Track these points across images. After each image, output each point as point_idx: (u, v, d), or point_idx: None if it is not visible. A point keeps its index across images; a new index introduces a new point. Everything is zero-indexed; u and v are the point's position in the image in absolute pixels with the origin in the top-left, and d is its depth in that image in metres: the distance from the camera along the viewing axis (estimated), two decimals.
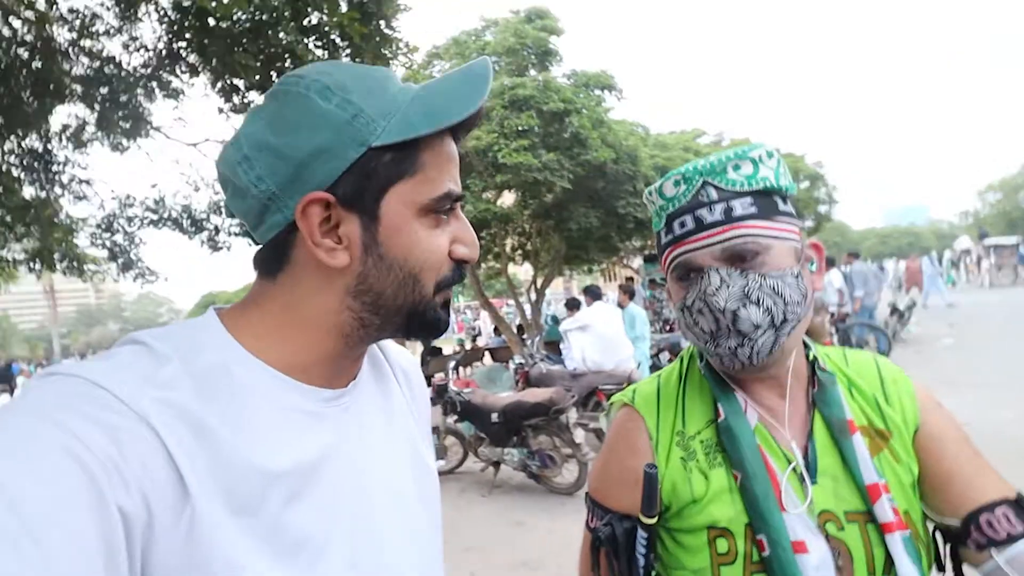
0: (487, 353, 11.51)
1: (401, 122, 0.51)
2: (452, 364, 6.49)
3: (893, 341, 8.38)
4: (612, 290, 16.46)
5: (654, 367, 6.99)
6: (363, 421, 0.61)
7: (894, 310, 9.56)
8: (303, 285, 0.54)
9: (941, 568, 0.74)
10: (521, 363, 6.48)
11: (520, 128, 7.43)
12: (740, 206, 0.70)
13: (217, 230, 6.28)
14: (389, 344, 0.75)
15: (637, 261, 15.24)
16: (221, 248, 6.32)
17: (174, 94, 5.15)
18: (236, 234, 6.30)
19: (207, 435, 0.46)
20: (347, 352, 0.58)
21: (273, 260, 0.55)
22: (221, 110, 4.96)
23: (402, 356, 0.76)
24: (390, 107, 0.52)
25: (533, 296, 11.34)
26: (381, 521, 0.58)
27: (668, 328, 9.90)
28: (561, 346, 6.12)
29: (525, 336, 10.24)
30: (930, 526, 0.74)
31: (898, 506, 0.69)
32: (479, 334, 16.18)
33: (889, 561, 0.68)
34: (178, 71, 4.80)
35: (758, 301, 0.69)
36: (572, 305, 6.74)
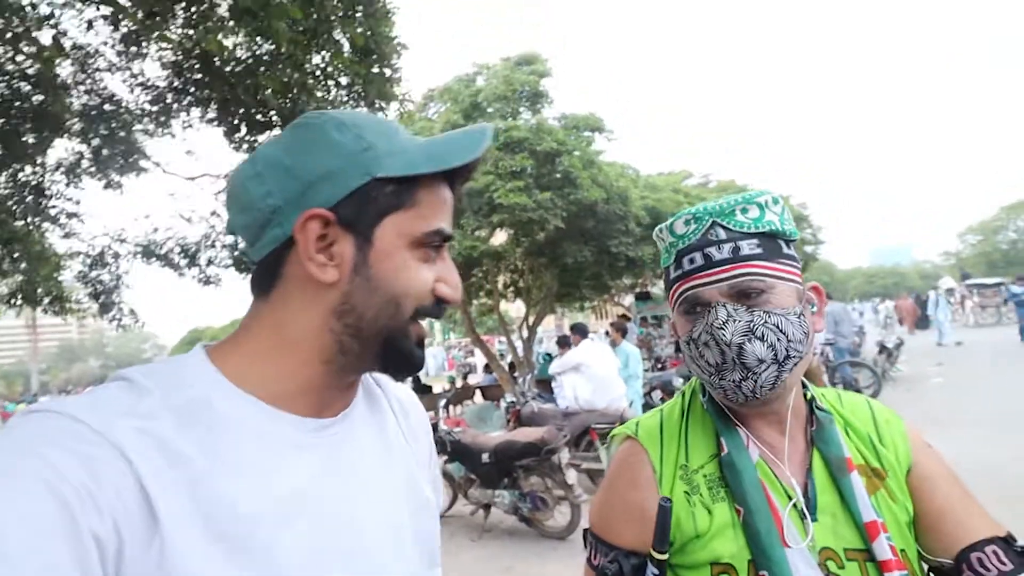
0: (478, 391, 11.36)
1: (405, 160, 0.57)
2: (442, 402, 6.41)
3: (883, 380, 8.40)
4: (604, 327, 16.46)
5: (647, 406, 6.92)
6: (355, 452, 0.61)
7: (882, 349, 9.62)
8: (292, 302, 0.57)
9: None
10: (512, 401, 6.40)
11: (514, 169, 7.59)
12: (747, 246, 0.74)
13: (209, 262, 6.27)
14: (385, 378, 0.75)
15: (628, 299, 15.33)
16: (212, 282, 6.29)
17: (175, 130, 5.22)
18: (227, 266, 6.28)
19: (185, 465, 0.47)
20: (332, 381, 0.59)
21: (267, 278, 0.58)
22: (232, 141, 5.00)
23: (400, 389, 0.77)
24: (397, 147, 0.57)
25: (525, 333, 11.31)
26: (374, 554, 0.58)
27: (660, 367, 9.87)
28: (553, 385, 6.06)
29: (516, 374, 10.15)
30: (924, 567, 0.74)
31: (895, 545, 0.70)
32: (470, 371, 16.02)
33: None
34: (179, 107, 4.88)
35: (763, 337, 0.71)
36: (564, 343, 6.72)
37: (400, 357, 0.59)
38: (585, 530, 0.85)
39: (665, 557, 0.72)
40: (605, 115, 9.28)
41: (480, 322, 15.29)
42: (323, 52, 4.11)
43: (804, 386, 0.82)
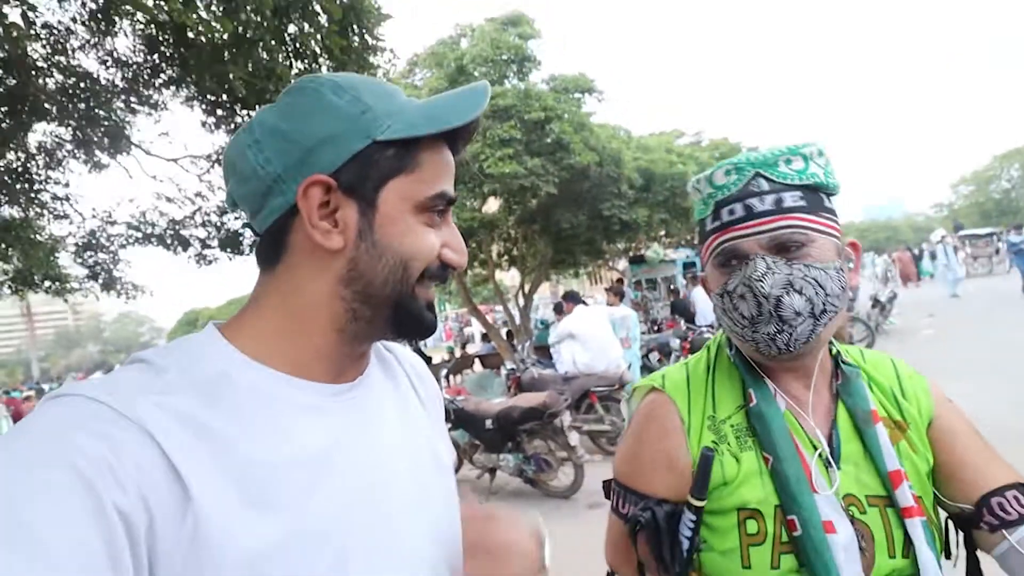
0: (477, 360, 11.49)
1: (405, 122, 0.56)
2: (443, 372, 6.47)
3: (876, 333, 8.54)
4: (599, 293, 16.54)
5: (645, 368, 7.03)
6: (375, 415, 0.62)
7: (876, 302, 9.74)
8: (299, 272, 0.56)
9: (948, 556, 0.77)
10: (512, 369, 6.48)
11: (503, 137, 7.47)
12: (791, 198, 0.73)
13: (205, 244, 6.21)
14: (397, 346, 0.77)
15: (622, 263, 15.35)
16: (210, 262, 6.25)
17: (154, 108, 5.09)
18: (223, 248, 6.23)
19: (209, 436, 0.48)
20: (346, 349, 0.59)
21: (272, 249, 0.57)
22: (204, 123, 4.91)
23: (412, 356, 0.78)
24: (396, 109, 0.56)
25: (521, 301, 11.36)
26: (400, 513, 0.59)
27: (656, 329, 9.98)
28: (551, 351, 6.13)
29: (515, 341, 10.24)
30: (943, 515, 0.77)
31: (916, 492, 0.72)
32: (468, 341, 16.14)
33: (907, 544, 0.71)
34: (157, 85, 4.74)
35: (801, 290, 0.71)
36: (558, 310, 6.77)
37: (411, 320, 0.59)
38: (608, 480, 0.87)
39: (703, 504, 0.74)
40: (594, 74, 9.10)
41: (476, 292, 15.32)
42: (301, 23, 3.98)
43: (831, 343, 0.83)
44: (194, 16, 3.43)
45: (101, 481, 0.42)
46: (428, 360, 10.30)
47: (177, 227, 6.12)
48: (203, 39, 3.64)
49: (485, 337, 12.16)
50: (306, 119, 0.54)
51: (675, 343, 7.38)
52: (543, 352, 7.15)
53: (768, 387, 0.79)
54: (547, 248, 10.28)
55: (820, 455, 0.75)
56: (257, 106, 4.26)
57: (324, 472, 0.53)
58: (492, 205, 9.57)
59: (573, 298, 5.96)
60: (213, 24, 3.54)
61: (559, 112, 7.86)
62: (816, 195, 0.75)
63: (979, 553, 0.76)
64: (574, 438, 4.40)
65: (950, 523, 0.77)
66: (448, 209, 0.61)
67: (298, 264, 0.56)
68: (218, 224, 6.24)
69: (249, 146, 0.55)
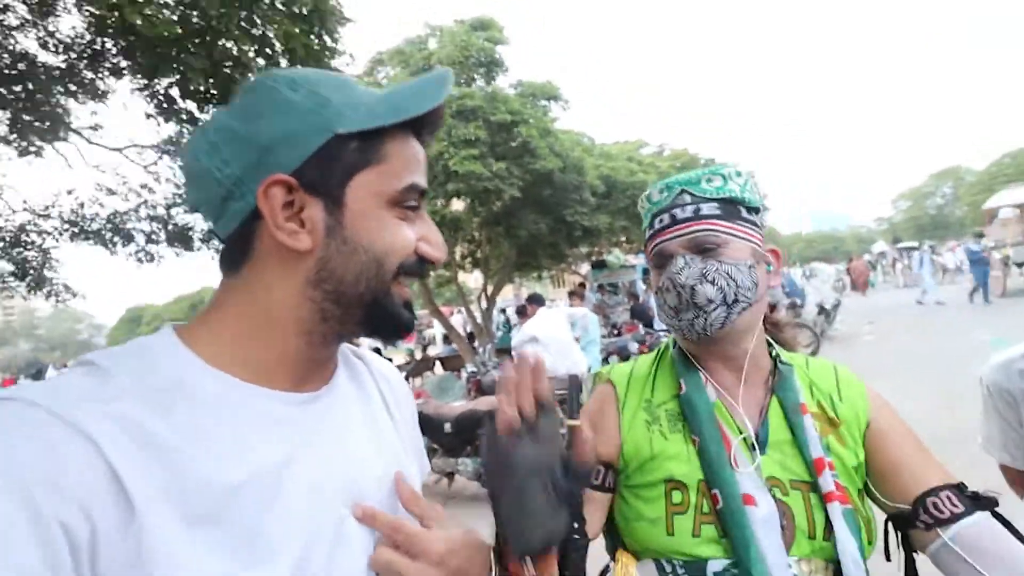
0: (438, 362, 11.39)
1: (366, 113, 0.54)
2: (403, 375, 6.37)
3: (821, 338, 8.96)
4: (562, 296, 16.69)
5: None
6: (340, 427, 0.60)
7: (822, 310, 10.23)
8: (265, 277, 0.54)
9: (888, 558, 0.81)
10: (473, 371, 6.47)
11: (468, 137, 7.46)
12: (708, 208, 0.84)
13: (150, 239, 5.91)
14: (368, 353, 0.74)
15: (585, 267, 15.56)
16: (152, 259, 5.95)
17: (99, 96, 4.82)
18: (171, 243, 5.95)
19: (157, 447, 0.45)
20: (312, 353, 0.57)
21: (237, 253, 0.55)
22: (149, 115, 4.68)
23: (383, 363, 0.75)
24: (356, 100, 0.55)
25: (484, 304, 11.35)
26: (362, 535, 0.57)
27: (616, 332, 10.16)
28: (513, 354, 6.15)
29: (476, 344, 10.21)
30: (882, 516, 0.81)
31: (840, 482, 0.77)
32: (430, 343, 15.99)
33: (828, 528, 0.75)
34: (103, 70, 4.50)
35: (713, 281, 0.81)
36: (521, 312, 6.81)
37: (387, 319, 0.58)
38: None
39: (576, 423, 0.68)
40: (561, 82, 9.19)
41: (438, 293, 15.21)
42: (259, 21, 3.86)
43: (770, 345, 0.92)
44: (141, 14, 3.27)
45: (42, 493, 0.39)
46: (388, 361, 10.12)
47: (119, 221, 5.80)
48: (152, 32, 3.48)
49: (446, 339, 12.07)
50: (262, 118, 0.52)
51: (634, 347, 7.55)
52: (505, 355, 7.16)
53: (700, 377, 0.87)
54: (511, 251, 10.31)
55: (744, 438, 0.81)
56: (219, 97, 4.09)
57: (282, 490, 0.51)
58: (457, 206, 9.53)
59: (537, 301, 5.99)
60: (157, 20, 3.37)
61: (525, 116, 7.92)
62: (733, 207, 0.85)
63: (915, 553, 0.80)
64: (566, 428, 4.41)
65: (889, 524, 0.81)
66: (422, 202, 0.59)
67: (264, 268, 0.54)
68: (165, 218, 5.96)
69: (204, 150, 0.53)
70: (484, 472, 0.65)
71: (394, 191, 0.55)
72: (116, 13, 3.32)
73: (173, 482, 0.45)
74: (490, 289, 11.42)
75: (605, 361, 7.43)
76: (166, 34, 3.44)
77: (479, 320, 11.11)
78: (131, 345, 0.52)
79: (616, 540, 0.88)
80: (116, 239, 5.83)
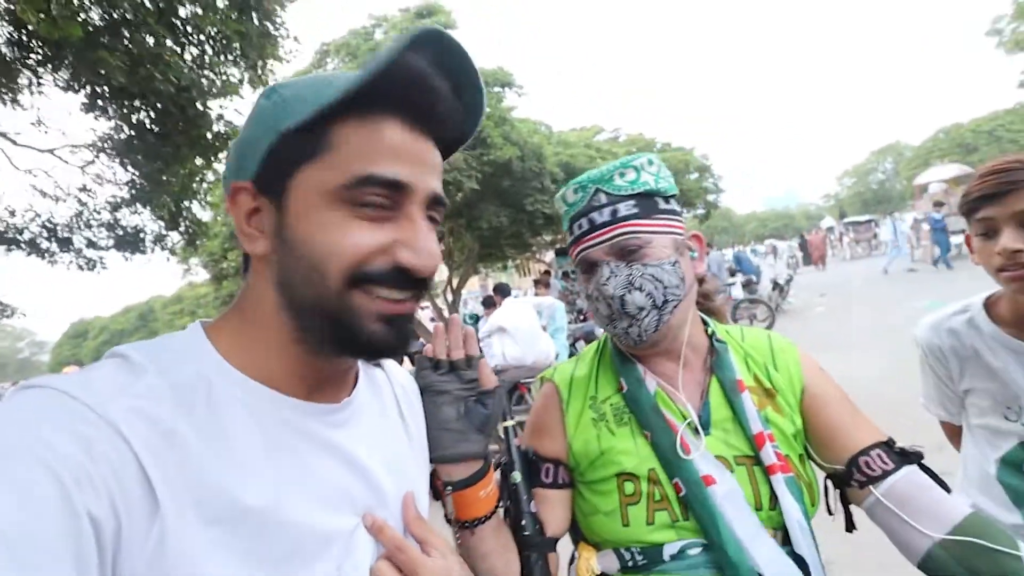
0: (406, 357, 11.27)
1: (313, 101, 0.50)
2: None
3: (776, 312, 9.31)
4: (528, 285, 16.75)
5: (572, 356, 7.20)
6: (358, 439, 0.59)
7: (776, 285, 10.63)
8: (252, 283, 0.56)
9: (831, 513, 0.85)
10: None
11: None
12: (624, 207, 0.83)
13: (93, 244, 5.57)
14: (390, 363, 0.74)
15: (549, 255, 15.65)
16: (93, 266, 5.62)
17: (17, 93, 4.48)
18: (119, 247, 5.62)
19: (181, 448, 0.45)
20: (314, 362, 0.55)
21: (245, 260, 0.58)
22: (73, 112, 4.38)
23: (402, 375, 0.75)
24: (309, 93, 0.51)
25: (450, 296, 11.27)
26: (369, 555, 0.57)
27: (582, 318, 10.27)
28: (482, 345, 6.14)
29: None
30: (822, 476, 0.85)
31: (781, 451, 0.80)
32: None
33: (772, 497, 0.78)
34: (23, 66, 4.18)
35: (640, 287, 0.81)
36: (489, 303, 6.79)
37: (348, 336, 0.52)
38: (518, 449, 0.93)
39: (511, 423, 0.87)
40: (515, 69, 9.13)
41: None
42: (194, 6, 3.66)
43: (706, 323, 0.92)
44: (37, 14, 3.04)
45: (76, 487, 0.39)
46: None
47: (55, 227, 5.44)
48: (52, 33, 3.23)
49: (415, 334, 11.96)
50: (243, 130, 0.55)
51: (599, 331, 7.64)
52: None
53: (638, 371, 0.88)
54: (474, 243, 10.26)
55: (689, 424, 0.83)
56: (140, 94, 3.87)
57: (296, 500, 0.50)
58: None
59: (503, 291, 5.98)
60: (59, 20, 3.14)
61: None
62: (650, 200, 0.84)
63: (853, 507, 0.85)
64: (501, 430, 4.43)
65: (828, 483, 0.85)
66: (407, 199, 0.52)
67: (252, 274, 0.56)
68: (110, 222, 5.63)
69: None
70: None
71: (338, 185, 0.49)
72: (10, 15, 3.08)
73: (195, 485, 0.45)
74: (455, 281, 11.35)
75: (573, 347, 7.51)
76: (70, 34, 3.21)
77: (445, 314, 11.02)
78: (161, 340, 0.53)
79: (577, 533, 0.90)
80: (53, 248, 5.47)
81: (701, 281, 0.95)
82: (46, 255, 5.43)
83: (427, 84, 0.52)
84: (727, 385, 0.85)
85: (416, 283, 0.54)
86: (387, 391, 0.69)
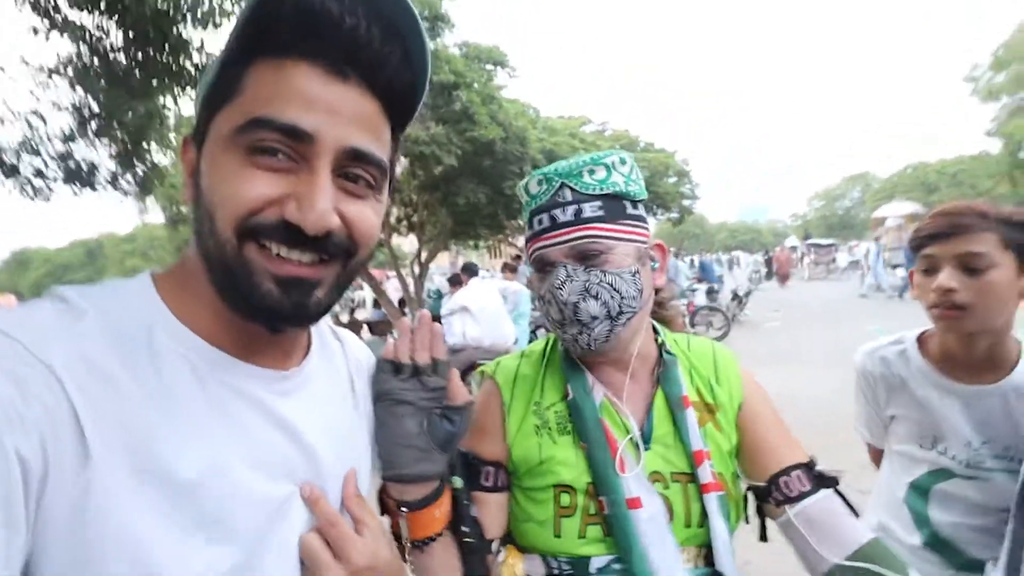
0: (365, 326, 11.11)
1: (233, 39, 0.48)
2: None
3: (732, 323, 9.60)
4: (497, 266, 16.70)
5: (531, 343, 7.25)
6: (305, 409, 0.57)
7: (735, 296, 10.95)
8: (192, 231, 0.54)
9: (748, 521, 0.88)
10: None
11: None
12: (589, 208, 0.78)
13: (40, 174, 5.22)
14: (348, 335, 0.71)
15: (522, 240, 15.62)
16: (39, 194, 5.28)
17: None
18: (69, 180, 5.28)
19: (118, 395, 0.44)
20: (242, 323, 0.51)
21: None
22: (36, 30, 4.07)
23: (359, 348, 0.72)
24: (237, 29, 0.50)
25: (417, 270, 11.14)
26: (302, 508, 0.56)
27: None
28: (442, 322, 6.11)
29: (407, 310, 10.05)
30: (744, 486, 0.88)
31: (716, 469, 0.82)
32: (358, 306, 15.57)
33: (703, 515, 0.79)
34: None
35: (597, 295, 0.77)
36: (455, 281, 6.74)
37: (242, 294, 0.48)
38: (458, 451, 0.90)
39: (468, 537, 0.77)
40: (509, 48, 8.98)
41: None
42: None
43: (656, 332, 0.91)
44: None
45: (5, 421, 0.38)
46: None
47: (1, 151, 5.06)
48: None
49: (376, 303, 11.79)
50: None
51: None
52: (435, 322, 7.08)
53: (587, 380, 0.85)
54: (448, 218, 10.13)
55: (631, 439, 0.82)
56: (115, 11, 3.60)
57: (231, 462, 0.49)
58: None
59: (470, 271, 5.96)
60: None
61: (468, 80, 7.67)
62: (618, 203, 0.80)
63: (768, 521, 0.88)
64: None
65: (749, 494, 0.88)
66: (312, 150, 0.47)
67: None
68: (63, 153, 5.28)
69: None
70: (373, 404, 0.68)
71: (232, 127, 0.46)
72: None
73: (129, 437, 0.43)
74: (424, 255, 11.21)
75: (534, 333, 7.56)
76: None
77: (411, 287, 10.90)
78: (105, 285, 0.51)
79: (505, 536, 0.88)
80: None
81: (658, 290, 0.93)
82: None
83: (342, 27, 0.47)
84: (672, 400, 0.84)
85: (314, 244, 0.48)
86: (340, 364, 0.67)
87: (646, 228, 0.84)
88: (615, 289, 0.77)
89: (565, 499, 0.80)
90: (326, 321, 0.65)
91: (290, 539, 0.54)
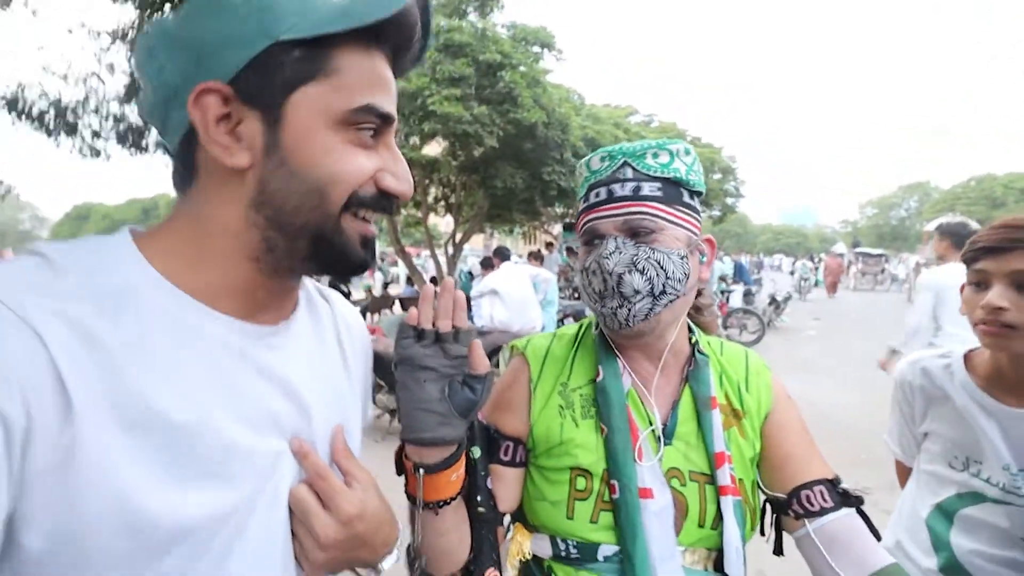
0: (397, 301, 11.31)
1: (314, 19, 0.49)
2: (359, 309, 6.30)
3: (767, 328, 9.33)
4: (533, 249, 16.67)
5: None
6: (293, 363, 0.58)
7: (772, 301, 10.62)
8: (209, 195, 0.52)
9: (763, 533, 0.86)
10: None
11: (453, 75, 7.11)
12: (648, 188, 0.79)
13: (96, 135, 5.48)
14: (335, 295, 0.72)
15: (557, 228, 15.54)
16: (99, 155, 5.55)
17: None
18: (121, 141, 5.53)
19: (102, 353, 0.44)
20: (264, 282, 0.54)
21: (183, 170, 0.53)
22: None
23: (346, 307, 0.73)
24: (306, 6, 0.49)
25: (451, 250, 11.23)
26: (292, 463, 0.57)
27: (576, 296, 10.28)
28: (472, 303, 6.16)
29: (438, 289, 10.17)
30: (762, 497, 0.86)
31: (735, 474, 0.80)
32: (392, 281, 15.86)
33: (718, 518, 0.78)
34: None
35: (643, 270, 0.77)
36: (487, 264, 6.77)
37: (335, 256, 0.54)
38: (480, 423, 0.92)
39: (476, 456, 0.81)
40: (558, 31, 8.81)
41: (406, 233, 14.96)
42: None
43: (691, 331, 0.90)
44: None
45: None
46: (347, 295, 9.99)
47: (65, 109, 5.33)
48: None
49: (409, 280, 11.97)
50: (201, 19, 0.49)
51: (589, 313, 7.66)
52: None
53: (618, 365, 0.85)
54: (485, 200, 10.15)
55: (653, 431, 0.82)
56: None
57: (221, 417, 0.49)
58: (434, 148, 9.22)
59: (502, 255, 5.96)
60: None
61: (514, 62, 7.58)
62: (676, 188, 0.80)
63: (785, 533, 0.85)
64: None
65: (767, 505, 0.86)
66: (387, 129, 0.55)
67: (208, 186, 0.52)
68: (117, 115, 5.52)
69: (145, 55, 0.51)
70: (395, 367, 0.68)
71: (344, 110, 0.50)
72: None
73: (114, 392, 0.44)
74: (459, 236, 11.28)
75: (560, 322, 7.54)
76: None
77: (444, 265, 11.02)
78: (85, 242, 0.50)
79: (517, 513, 0.88)
80: (59, 129, 5.37)
81: (700, 291, 0.91)
82: (51, 134, 5.33)
83: (415, 25, 0.54)
84: (699, 399, 0.83)
85: (389, 208, 0.56)
86: (328, 322, 0.67)
87: (699, 220, 0.84)
88: (661, 267, 0.77)
89: (581, 483, 0.80)
90: (311, 281, 0.67)
91: (280, 491, 0.55)
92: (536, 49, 8.62)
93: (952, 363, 1.17)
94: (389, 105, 0.53)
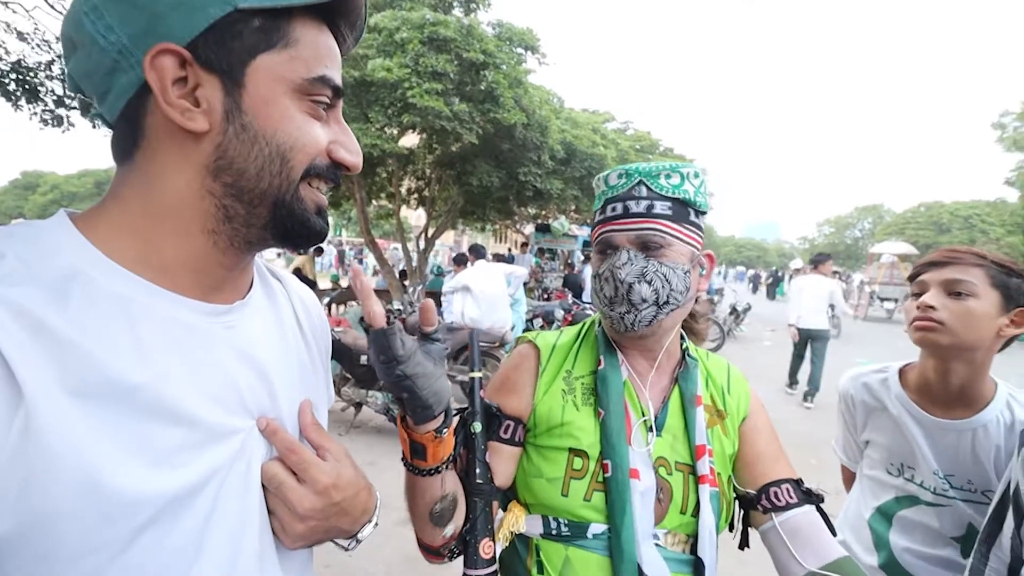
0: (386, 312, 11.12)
1: None
2: (326, 300, 6.21)
3: (727, 337, 9.66)
4: (502, 251, 16.72)
5: (526, 332, 7.29)
6: (253, 341, 0.58)
7: (733, 310, 11.00)
8: (160, 162, 0.50)
9: (731, 528, 0.95)
10: (399, 309, 6.41)
11: (436, 70, 7.07)
12: (660, 206, 0.87)
13: (60, 102, 5.21)
14: (286, 273, 0.72)
15: (529, 228, 15.62)
16: (60, 124, 5.28)
17: None
18: (84, 111, 5.28)
19: (50, 339, 0.42)
20: (219, 258, 0.53)
21: (128, 137, 0.50)
22: None
23: (300, 286, 0.73)
24: None
25: (422, 244, 11.16)
26: (260, 441, 0.57)
27: (546, 297, 10.39)
28: (442, 299, 6.15)
29: (407, 283, 10.09)
30: (733, 493, 0.94)
31: (715, 467, 0.89)
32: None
33: (698, 506, 0.87)
34: None
35: (651, 281, 0.86)
36: (460, 261, 6.76)
37: (295, 224, 0.54)
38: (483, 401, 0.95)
39: (479, 375, 0.87)
40: (542, 33, 8.87)
41: (376, 225, 14.75)
42: None
43: (683, 338, 1.00)
44: None
45: None
46: (313, 285, 9.82)
47: (28, 72, 5.06)
48: None
49: (376, 271, 11.82)
50: None
51: (559, 313, 7.77)
52: (433, 298, 7.10)
53: (618, 359, 0.94)
54: (459, 196, 10.11)
55: (645, 421, 0.90)
56: None
57: (183, 397, 0.49)
58: (411, 139, 9.13)
59: (477, 252, 5.98)
60: None
61: (497, 61, 7.60)
62: (684, 208, 0.88)
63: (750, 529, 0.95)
64: (469, 379, 4.50)
65: (737, 503, 0.95)
66: (337, 103, 0.56)
67: (158, 152, 0.49)
68: None
69: (86, 13, 0.47)
70: (390, 364, 0.65)
71: (301, 79, 0.51)
72: None
73: (65, 370, 0.43)
74: (431, 230, 11.22)
75: (529, 323, 7.61)
76: None
77: (414, 259, 10.94)
78: (18, 227, 0.47)
79: (511, 491, 0.95)
80: (19, 92, 5.09)
81: (697, 300, 1.00)
82: (11, 98, 5.05)
83: (361, 9, 0.56)
84: (687, 397, 0.93)
85: (338, 179, 0.58)
86: (283, 299, 0.67)
87: (702, 237, 0.92)
88: (667, 280, 0.85)
89: (577, 463, 0.87)
90: (262, 260, 0.67)
91: (252, 469, 0.55)
92: (519, 50, 8.65)
93: (888, 377, 1.29)
94: (339, 79, 0.55)
